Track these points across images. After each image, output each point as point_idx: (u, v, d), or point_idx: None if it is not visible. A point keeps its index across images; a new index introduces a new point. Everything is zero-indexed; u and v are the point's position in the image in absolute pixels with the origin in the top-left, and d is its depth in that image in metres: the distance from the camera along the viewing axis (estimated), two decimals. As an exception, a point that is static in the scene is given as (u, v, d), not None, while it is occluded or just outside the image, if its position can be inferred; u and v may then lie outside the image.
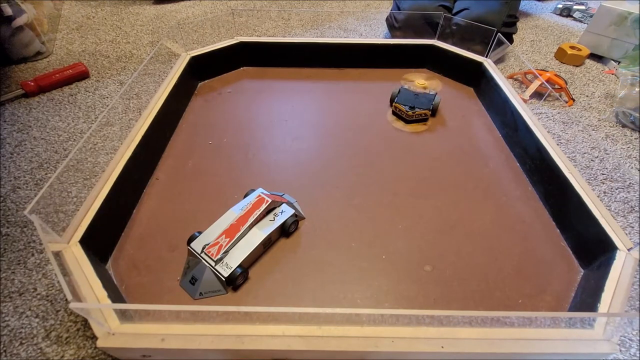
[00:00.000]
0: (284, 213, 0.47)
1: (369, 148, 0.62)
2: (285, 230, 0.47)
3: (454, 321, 0.35)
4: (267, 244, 0.46)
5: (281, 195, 0.51)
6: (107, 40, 0.96)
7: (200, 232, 0.44)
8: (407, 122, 0.68)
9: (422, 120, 0.68)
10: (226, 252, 0.42)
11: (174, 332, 0.33)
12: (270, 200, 0.46)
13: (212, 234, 0.44)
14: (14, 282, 0.43)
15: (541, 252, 0.47)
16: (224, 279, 0.40)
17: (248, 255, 0.42)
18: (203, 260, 0.42)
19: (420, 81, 0.71)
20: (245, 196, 0.50)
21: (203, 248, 0.42)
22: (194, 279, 0.41)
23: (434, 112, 0.69)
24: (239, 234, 0.43)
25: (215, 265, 0.41)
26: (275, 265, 0.45)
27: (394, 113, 0.69)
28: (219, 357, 0.34)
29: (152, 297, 0.41)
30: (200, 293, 0.41)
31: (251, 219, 0.44)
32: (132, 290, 0.42)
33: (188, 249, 0.43)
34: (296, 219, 0.48)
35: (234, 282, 0.41)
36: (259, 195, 0.47)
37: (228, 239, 0.43)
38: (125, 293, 0.41)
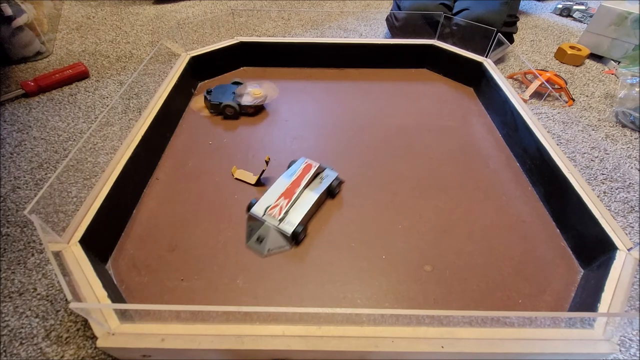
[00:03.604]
0: (329, 176, 0.53)
1: (368, 148, 0.62)
2: (331, 192, 0.53)
3: (454, 321, 0.35)
4: (319, 204, 0.51)
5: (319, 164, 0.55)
6: (107, 40, 0.96)
7: (256, 200, 0.49)
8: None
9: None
10: (286, 212, 0.47)
11: (174, 332, 0.33)
12: (318, 165, 0.52)
13: (269, 198, 0.49)
14: (14, 282, 0.43)
15: (541, 252, 0.47)
16: (289, 235, 0.45)
17: (306, 214, 0.48)
18: (266, 222, 0.47)
19: (256, 91, 0.68)
20: (288, 166, 0.54)
21: (265, 211, 0.47)
22: (260, 238, 0.46)
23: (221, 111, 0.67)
24: (295, 195, 0.49)
25: (279, 225, 0.46)
26: (275, 265, 0.45)
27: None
28: (219, 357, 0.34)
29: (152, 297, 0.41)
30: (269, 249, 0.46)
31: (303, 182, 0.50)
32: (132, 290, 0.42)
33: (249, 215, 0.48)
34: (340, 181, 0.54)
35: (297, 237, 0.46)
36: (307, 162, 0.53)
37: (287, 200, 0.48)
38: (125, 293, 0.41)
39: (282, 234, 0.46)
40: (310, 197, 0.50)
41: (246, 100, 0.66)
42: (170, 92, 0.63)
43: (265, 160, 0.53)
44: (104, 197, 0.44)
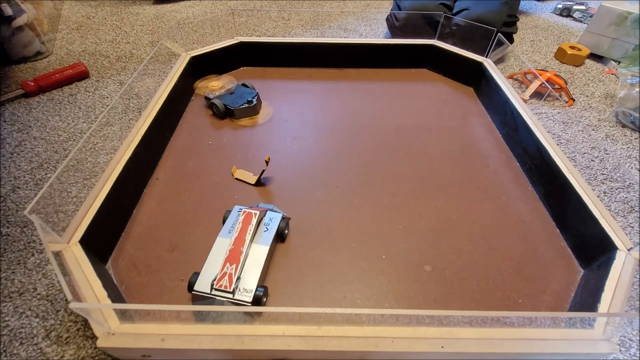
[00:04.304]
0: (274, 219, 0.46)
1: (368, 148, 0.62)
2: (281, 236, 0.46)
3: (454, 321, 0.35)
4: (272, 255, 0.45)
5: (257, 206, 0.48)
6: (107, 40, 0.96)
7: (197, 273, 0.40)
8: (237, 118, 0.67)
9: (252, 113, 0.68)
10: (238, 278, 0.39)
11: (174, 332, 0.33)
12: (258, 212, 0.44)
13: (213, 267, 0.40)
14: (14, 282, 0.43)
15: (541, 252, 0.47)
16: (249, 305, 0.38)
17: (261, 272, 0.41)
18: (217, 298, 0.38)
19: (213, 83, 0.70)
20: (224, 220, 0.47)
21: (212, 285, 0.39)
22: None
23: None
24: (243, 255, 0.41)
25: (234, 296, 0.38)
26: (275, 265, 0.45)
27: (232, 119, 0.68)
28: (219, 357, 0.34)
29: (152, 297, 0.41)
30: None
31: (248, 237, 0.42)
32: (132, 290, 0.42)
33: (193, 294, 0.39)
34: (287, 221, 0.48)
35: (259, 304, 0.39)
36: (244, 211, 0.44)
37: (234, 265, 0.40)
38: (125, 293, 0.41)
39: (241, 305, 0.38)
40: (260, 252, 0.42)
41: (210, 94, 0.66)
42: (170, 92, 0.63)
43: (265, 160, 0.53)
44: (104, 197, 0.44)
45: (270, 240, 0.43)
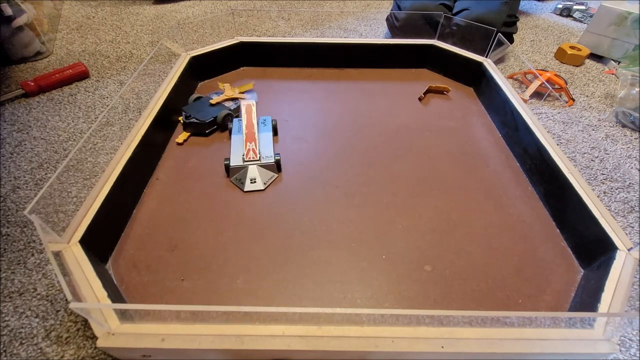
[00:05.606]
0: (267, 119, 0.63)
1: (369, 148, 0.62)
2: (274, 129, 0.63)
3: (454, 321, 0.35)
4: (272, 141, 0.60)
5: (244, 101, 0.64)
6: (107, 40, 0.96)
7: (227, 159, 0.55)
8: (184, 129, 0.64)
9: (199, 133, 0.63)
10: (259, 151, 0.56)
11: (174, 332, 0.33)
12: (254, 101, 0.62)
13: (238, 150, 0.57)
14: (14, 282, 0.43)
15: (541, 252, 0.47)
16: (273, 164, 0.55)
17: (273, 148, 0.57)
18: (250, 165, 0.54)
19: (228, 93, 0.67)
20: (229, 131, 0.62)
21: (243, 159, 0.55)
22: (253, 179, 0.53)
23: (219, 125, 0.64)
24: (256, 135, 0.57)
25: (261, 161, 0.55)
26: (275, 265, 0.45)
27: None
28: (219, 357, 0.34)
29: (152, 297, 0.41)
30: (264, 183, 0.54)
31: (254, 122, 0.59)
32: (132, 290, 0.42)
33: (231, 169, 0.54)
34: (275, 121, 0.64)
35: (279, 164, 0.56)
36: (245, 104, 0.61)
37: (253, 143, 0.56)
38: (125, 293, 0.41)
39: (267, 167, 0.55)
40: (267, 136, 0.59)
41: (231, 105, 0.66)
42: (170, 92, 0.63)
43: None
44: (104, 197, 0.44)
45: (271, 129, 0.61)
